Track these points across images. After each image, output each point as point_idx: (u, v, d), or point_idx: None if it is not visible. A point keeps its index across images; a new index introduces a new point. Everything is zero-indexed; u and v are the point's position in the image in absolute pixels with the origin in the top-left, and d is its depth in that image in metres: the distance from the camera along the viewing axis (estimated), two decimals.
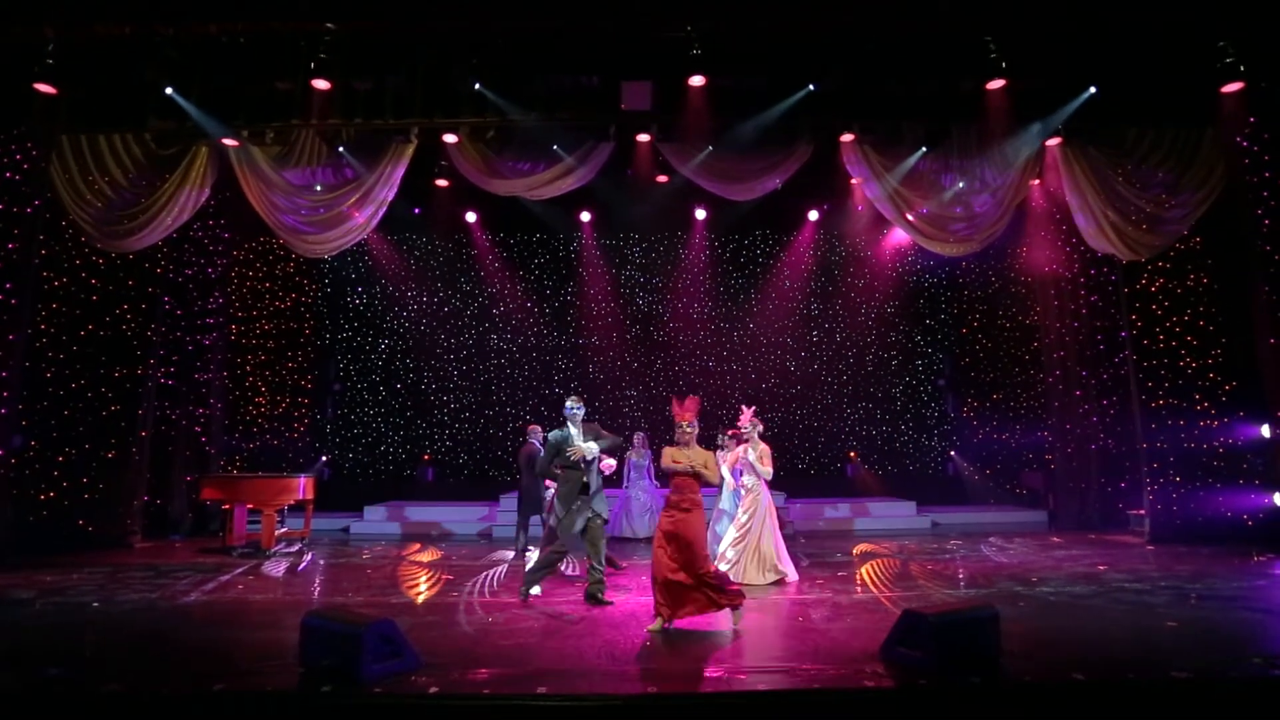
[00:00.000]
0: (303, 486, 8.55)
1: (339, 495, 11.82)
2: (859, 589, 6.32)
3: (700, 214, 12.08)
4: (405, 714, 3.53)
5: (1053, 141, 8.59)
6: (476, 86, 7.78)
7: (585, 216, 12.33)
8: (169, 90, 7.69)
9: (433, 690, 3.68)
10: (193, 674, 3.97)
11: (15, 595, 6.11)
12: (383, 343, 13.25)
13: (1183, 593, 5.87)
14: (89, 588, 6.42)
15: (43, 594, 6.16)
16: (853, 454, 12.97)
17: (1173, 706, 3.60)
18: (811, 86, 7.80)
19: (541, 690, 3.72)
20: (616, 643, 4.64)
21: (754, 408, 6.86)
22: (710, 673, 3.99)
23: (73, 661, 4.23)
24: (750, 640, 4.71)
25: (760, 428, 6.79)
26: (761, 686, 3.80)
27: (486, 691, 3.71)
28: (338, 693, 3.62)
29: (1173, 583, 6.27)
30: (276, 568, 7.59)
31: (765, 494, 6.70)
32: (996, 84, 7.76)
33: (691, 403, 5.29)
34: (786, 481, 12.12)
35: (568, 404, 5.91)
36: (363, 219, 8.91)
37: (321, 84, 7.63)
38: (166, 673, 4.06)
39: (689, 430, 5.18)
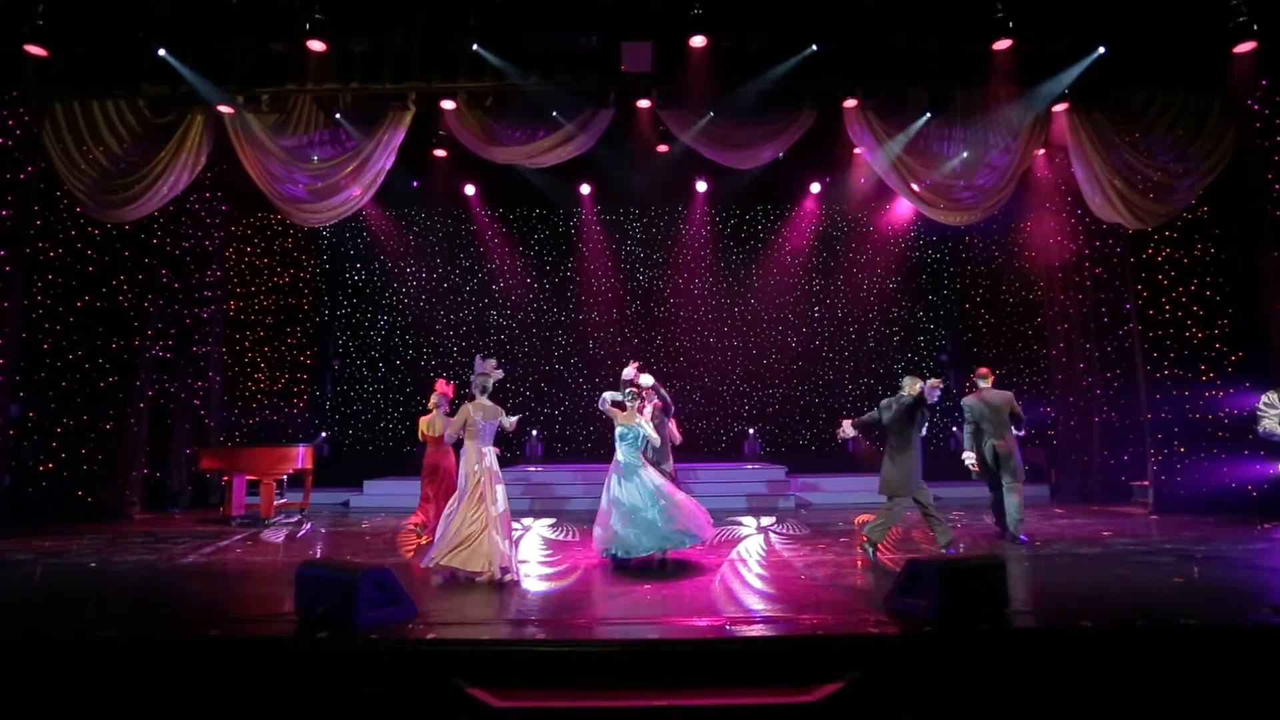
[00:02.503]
0: (301, 456, 8.52)
1: (338, 471, 11.77)
2: (856, 550, 6.27)
3: (701, 186, 11.96)
4: (402, 659, 3.48)
5: (1059, 107, 8.43)
6: (474, 47, 7.64)
7: (585, 189, 12.21)
8: (162, 52, 7.56)
9: (430, 636, 3.64)
10: (188, 623, 3.94)
11: (12, 557, 6.08)
12: (382, 319, 13.17)
13: (1188, 554, 5.82)
14: (87, 551, 6.39)
15: (41, 556, 6.14)
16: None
17: (1182, 652, 3.55)
18: (814, 47, 7.65)
19: (540, 636, 3.68)
20: (616, 597, 4.61)
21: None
22: (710, 621, 3.94)
23: (69, 612, 4.20)
24: (750, 595, 4.66)
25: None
26: (762, 633, 3.75)
27: (485, 637, 3.67)
28: (333, 638, 3.58)
29: (1177, 545, 6.22)
30: (275, 535, 7.56)
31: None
32: (1003, 44, 7.61)
33: None
34: (788, 456, 12.12)
35: None
36: (360, 188, 8.79)
37: (317, 45, 7.50)
38: (162, 622, 4.03)
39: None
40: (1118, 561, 5.57)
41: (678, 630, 3.80)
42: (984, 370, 6.71)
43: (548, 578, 5.25)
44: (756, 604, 4.42)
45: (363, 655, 3.51)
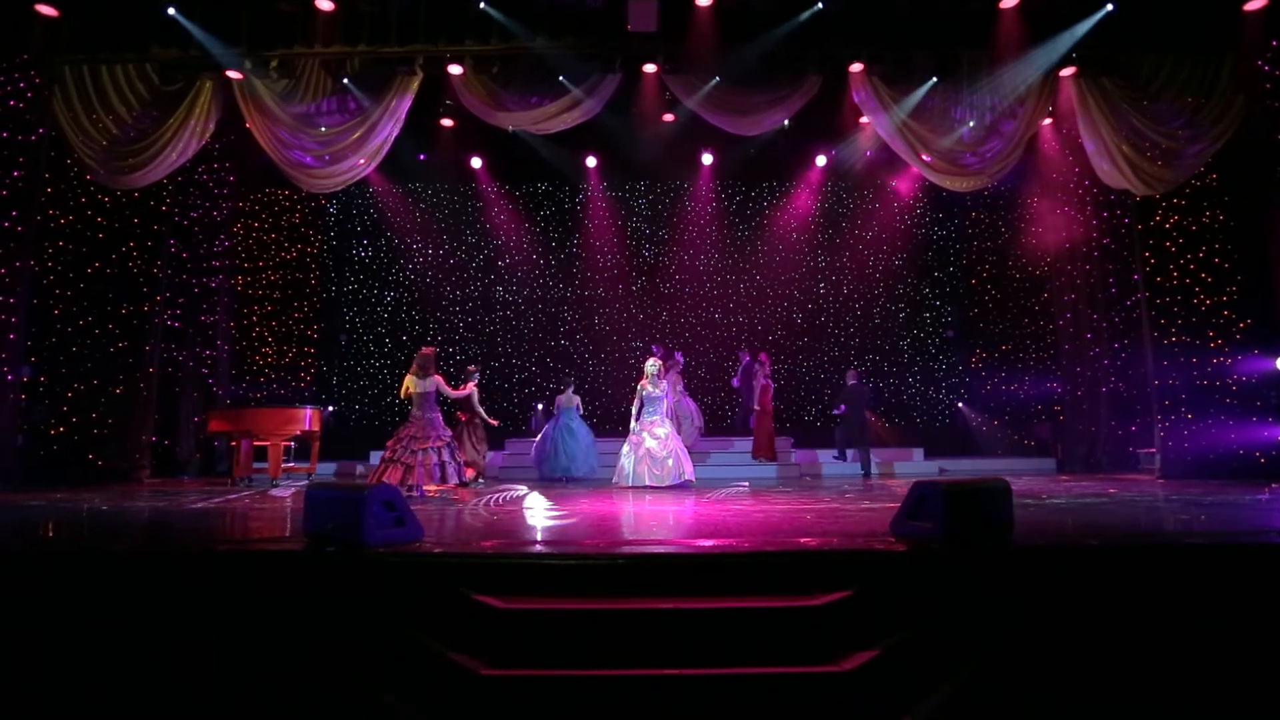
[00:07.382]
0: (309, 418, 8.57)
1: (345, 445, 11.79)
2: (866, 501, 6.28)
3: (707, 159, 11.95)
4: (409, 571, 3.50)
5: (1066, 72, 8.39)
6: (481, 6, 7.66)
7: (591, 162, 12.19)
8: (171, 11, 7.61)
9: (437, 551, 3.67)
10: (197, 542, 3.97)
11: (27, 503, 6.14)
12: (388, 295, 13.21)
13: (1195, 502, 5.81)
14: (99, 501, 6.45)
15: (54, 503, 6.20)
16: None
17: (1188, 569, 3.53)
18: (820, 5, 7.64)
19: (547, 551, 3.70)
20: (619, 530, 4.63)
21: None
22: (716, 542, 3.94)
23: (80, 535, 4.25)
24: (752, 524, 4.67)
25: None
26: (769, 548, 3.76)
27: (492, 552, 3.70)
28: (341, 552, 3.60)
29: (1184, 498, 6.21)
30: (283, 493, 7.60)
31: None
32: (1009, 2, 7.58)
33: None
34: (794, 431, 12.10)
35: None
36: (367, 156, 8.84)
37: (325, 4, 7.53)
38: (171, 542, 4.06)
39: None
40: (1123, 507, 5.56)
41: (683, 547, 3.81)
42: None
43: (553, 518, 5.27)
44: (757, 531, 4.43)
45: (371, 568, 3.54)
